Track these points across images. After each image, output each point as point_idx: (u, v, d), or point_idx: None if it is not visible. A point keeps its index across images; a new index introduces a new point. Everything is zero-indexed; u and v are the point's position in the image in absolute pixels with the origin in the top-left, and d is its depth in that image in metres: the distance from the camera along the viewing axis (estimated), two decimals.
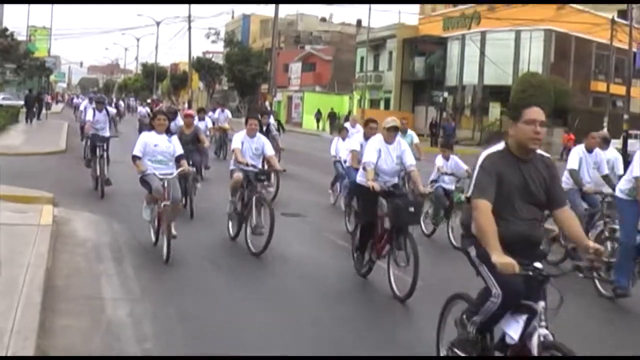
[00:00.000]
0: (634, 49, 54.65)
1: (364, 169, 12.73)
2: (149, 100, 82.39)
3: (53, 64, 79.84)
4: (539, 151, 7.01)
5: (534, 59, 64.10)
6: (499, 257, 6.26)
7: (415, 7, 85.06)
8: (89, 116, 23.61)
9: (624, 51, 56.37)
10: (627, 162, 16.01)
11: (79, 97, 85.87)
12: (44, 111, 63.62)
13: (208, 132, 26.58)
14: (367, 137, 16.20)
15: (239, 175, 15.21)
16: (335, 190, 21.79)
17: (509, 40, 65.29)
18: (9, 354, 7.33)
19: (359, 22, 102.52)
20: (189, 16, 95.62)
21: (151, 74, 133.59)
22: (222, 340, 9.14)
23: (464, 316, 7.30)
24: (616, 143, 33.02)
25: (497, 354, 6.98)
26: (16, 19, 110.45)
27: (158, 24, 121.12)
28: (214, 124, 37.52)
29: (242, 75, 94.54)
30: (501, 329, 6.88)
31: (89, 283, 11.40)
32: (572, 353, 6.11)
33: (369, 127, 16.57)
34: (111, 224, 16.56)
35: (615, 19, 59.95)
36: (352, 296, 12.13)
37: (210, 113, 41.59)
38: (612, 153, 16.22)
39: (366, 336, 9.82)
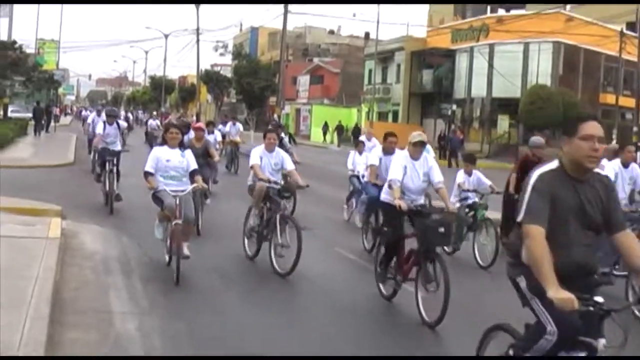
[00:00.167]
0: None
1: (390, 186, 12.17)
2: (155, 113, 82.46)
3: (61, 77, 79.97)
4: (596, 169, 6.40)
5: (542, 71, 63.97)
6: (557, 293, 5.70)
7: (424, 20, 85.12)
8: (99, 129, 22.64)
9: (633, 63, 56.36)
10: None
11: (88, 109, 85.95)
12: (52, 123, 63.71)
13: (218, 146, 25.75)
14: (386, 151, 16.31)
15: (262, 184, 14.47)
16: (350, 206, 21.24)
17: (517, 52, 65.20)
18: None
19: (367, 34, 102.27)
20: (197, 29, 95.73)
21: (159, 87, 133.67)
22: (230, 354, 9.08)
23: (511, 352, 6.62)
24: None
25: None
26: (25, 32, 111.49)
27: (166, 36, 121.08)
28: (224, 137, 37.42)
29: (251, 88, 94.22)
30: None
31: (97, 296, 11.36)
32: None
33: (388, 142, 16.35)
34: (120, 237, 16.52)
35: (624, 31, 59.86)
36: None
37: (221, 126, 41.39)
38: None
39: None
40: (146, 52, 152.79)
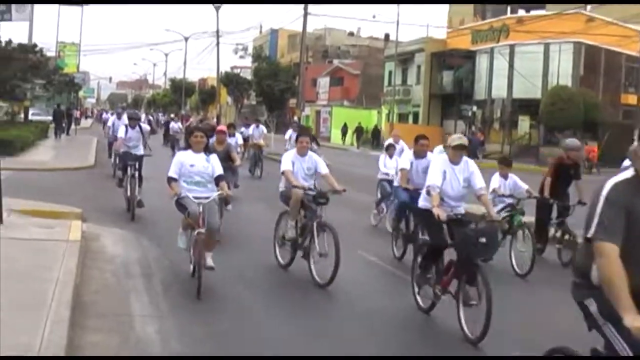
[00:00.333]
0: None
1: (428, 193, 11.38)
2: (172, 115, 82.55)
3: (82, 80, 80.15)
4: None
5: (563, 71, 63.65)
6: (635, 321, 5.08)
7: (443, 21, 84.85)
8: (121, 133, 22.05)
9: None
10: None
11: (108, 112, 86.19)
12: (72, 126, 63.91)
13: (239, 149, 24.53)
14: (417, 154, 15.85)
15: (298, 192, 13.88)
16: (381, 211, 20.57)
17: (538, 53, 64.90)
18: None
19: (386, 36, 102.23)
20: (217, 31, 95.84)
21: (179, 89, 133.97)
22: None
23: None
24: None
25: None
26: (45, 35, 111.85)
27: (186, 39, 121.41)
28: (247, 140, 37.25)
29: (271, 90, 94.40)
30: None
31: (117, 299, 11.37)
32: None
33: (420, 144, 15.83)
34: (140, 240, 16.53)
35: None
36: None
37: (243, 129, 41.20)
38: None
39: None
40: (166, 55, 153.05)
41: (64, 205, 19.17)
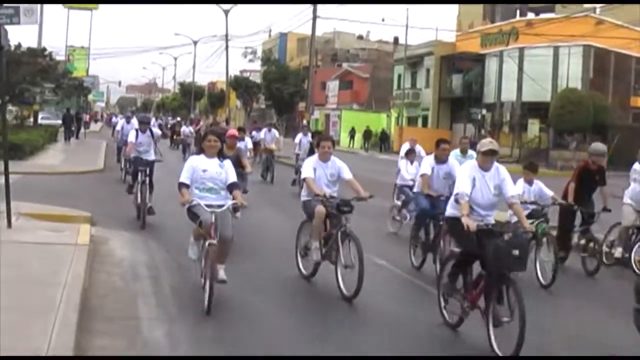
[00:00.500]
0: None
1: (457, 201, 10.57)
2: (178, 119, 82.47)
3: (91, 84, 79.96)
4: None
5: (572, 74, 63.57)
6: None
7: (453, 24, 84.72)
8: (132, 137, 21.21)
9: None
10: None
11: (118, 116, 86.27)
12: (82, 130, 64.03)
13: (248, 154, 23.77)
14: (438, 160, 15.46)
15: (321, 208, 13.06)
16: (404, 217, 19.93)
17: (547, 56, 64.84)
18: None
19: (396, 39, 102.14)
20: (226, 35, 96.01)
21: (189, 93, 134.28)
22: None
23: None
24: None
25: None
26: (55, 39, 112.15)
27: (195, 43, 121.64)
28: (257, 144, 37.08)
29: (280, 94, 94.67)
30: None
31: (125, 303, 11.34)
32: None
33: (441, 149, 15.39)
34: (149, 243, 16.50)
35: None
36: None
37: (255, 133, 41.05)
38: None
39: None
40: (175, 59, 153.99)
41: (72, 209, 19.21)
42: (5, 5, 15.71)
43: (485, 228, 10.32)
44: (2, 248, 12.85)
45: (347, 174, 13.68)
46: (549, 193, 15.58)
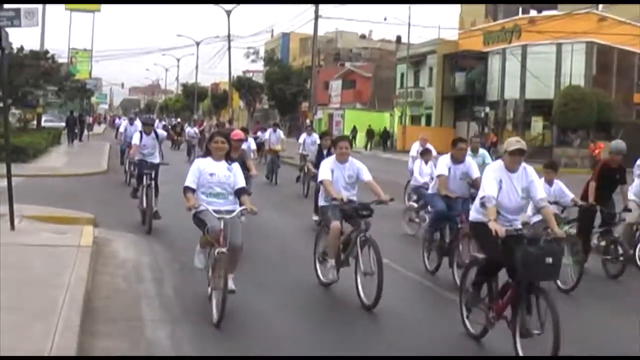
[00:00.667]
0: None
1: (482, 205, 9.91)
2: (179, 120, 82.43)
3: (94, 86, 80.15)
4: None
5: (575, 72, 63.49)
6: None
7: (455, 22, 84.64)
8: (136, 139, 20.44)
9: None
10: None
11: (121, 118, 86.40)
12: (85, 132, 64.08)
13: (252, 155, 23.48)
14: (455, 159, 14.73)
15: (336, 225, 12.47)
16: (422, 219, 18.95)
17: (550, 53, 64.74)
18: None
19: (398, 38, 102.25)
20: (229, 35, 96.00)
21: (192, 94, 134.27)
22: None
23: None
24: None
25: None
26: (57, 42, 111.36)
27: (198, 44, 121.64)
28: (262, 145, 36.95)
29: (283, 94, 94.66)
30: None
31: (129, 304, 11.33)
32: None
33: (458, 148, 14.69)
34: (152, 244, 16.47)
35: None
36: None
37: (260, 133, 40.84)
38: None
39: None
40: (178, 60, 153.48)
41: (75, 211, 19.19)
42: (5, 7, 15.68)
43: (515, 234, 9.76)
44: (5, 250, 12.82)
45: (367, 176, 13.07)
46: (570, 195, 14.90)
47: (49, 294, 10.25)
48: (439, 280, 14.17)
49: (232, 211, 11.12)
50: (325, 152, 20.49)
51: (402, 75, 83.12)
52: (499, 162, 10.26)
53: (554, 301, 8.86)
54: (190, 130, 49.73)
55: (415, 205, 19.90)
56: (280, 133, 36.13)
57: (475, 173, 14.50)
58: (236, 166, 11.55)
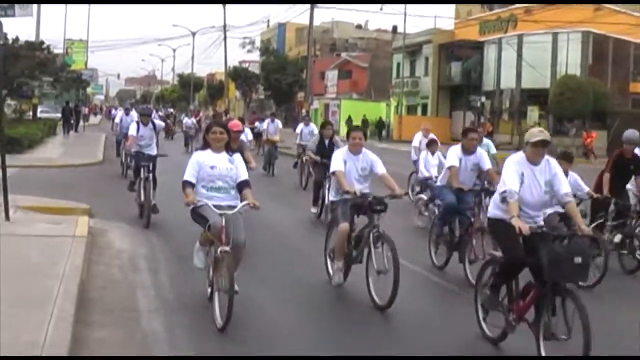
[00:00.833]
0: None
1: (503, 200, 9.21)
2: (171, 110, 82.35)
3: (90, 76, 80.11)
4: None
5: (571, 61, 63.48)
6: None
7: (451, 12, 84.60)
8: (132, 130, 19.77)
9: None
10: None
11: (117, 108, 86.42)
12: (81, 123, 63.98)
13: (249, 145, 21.85)
14: (466, 150, 13.98)
15: (345, 227, 11.87)
16: (431, 212, 18.15)
17: (546, 43, 64.75)
18: None
19: (394, 28, 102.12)
20: (224, 25, 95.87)
21: (188, 85, 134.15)
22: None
23: None
24: None
25: None
26: (52, 32, 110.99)
27: (194, 34, 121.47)
28: (259, 135, 36.76)
29: (279, 84, 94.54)
30: None
31: (124, 295, 11.28)
32: None
33: (470, 138, 13.98)
34: (147, 235, 16.41)
35: None
36: None
37: (257, 123, 40.60)
38: None
39: None
40: (174, 50, 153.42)
41: (71, 201, 19.15)
42: None
43: (539, 231, 8.99)
44: (0, 240, 12.80)
45: (381, 169, 12.46)
46: (585, 188, 14.37)
47: (43, 284, 10.22)
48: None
49: (234, 206, 10.41)
50: (326, 141, 20.30)
51: (398, 65, 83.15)
52: (520, 154, 9.47)
53: (582, 303, 8.21)
54: (188, 120, 49.44)
55: (425, 197, 19.29)
56: (279, 123, 35.41)
57: (487, 164, 14.09)
58: (238, 157, 10.89)
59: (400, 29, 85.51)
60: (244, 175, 10.77)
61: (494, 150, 18.11)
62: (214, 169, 10.57)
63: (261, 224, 16.90)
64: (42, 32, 58.63)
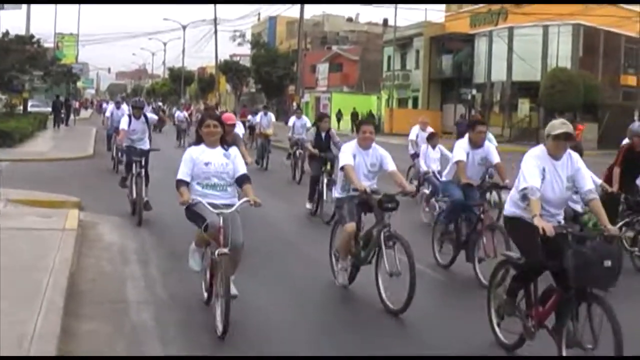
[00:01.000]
0: None
1: (523, 197, 8.58)
2: (160, 104, 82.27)
3: (80, 70, 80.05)
4: None
5: (562, 54, 63.55)
6: None
7: (441, 5, 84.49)
8: (124, 124, 18.87)
9: None
10: None
11: (109, 102, 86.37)
12: (72, 117, 63.88)
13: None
14: (474, 144, 13.45)
15: (352, 227, 11.30)
16: (432, 208, 18.07)
17: (536, 35, 64.80)
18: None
19: (385, 21, 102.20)
20: (215, 19, 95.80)
21: (178, 78, 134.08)
22: (251, 346, 8.82)
23: None
24: None
25: None
26: (42, 25, 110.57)
27: (184, 27, 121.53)
28: (253, 128, 36.61)
29: (269, 77, 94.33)
30: None
31: (114, 287, 11.27)
32: None
33: (477, 131, 13.37)
34: (138, 228, 16.38)
35: None
36: None
37: (250, 117, 40.43)
38: None
39: None
40: (165, 44, 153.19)
41: (61, 195, 19.10)
42: None
43: (564, 232, 8.17)
44: None
45: (391, 165, 11.75)
46: (598, 181, 13.65)
47: (32, 277, 10.21)
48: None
49: (231, 205, 9.81)
50: (323, 134, 20.13)
51: (389, 58, 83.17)
52: (541, 148, 8.77)
53: (610, 305, 7.56)
54: (180, 114, 49.47)
55: (427, 192, 19.00)
56: (272, 116, 34.92)
57: (496, 158, 13.50)
58: (234, 151, 10.19)
59: (391, 22, 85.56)
60: (242, 169, 10.08)
61: (495, 143, 17.35)
62: (208, 166, 9.89)
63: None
64: (32, 26, 58.50)
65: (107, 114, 33.17)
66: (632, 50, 66.92)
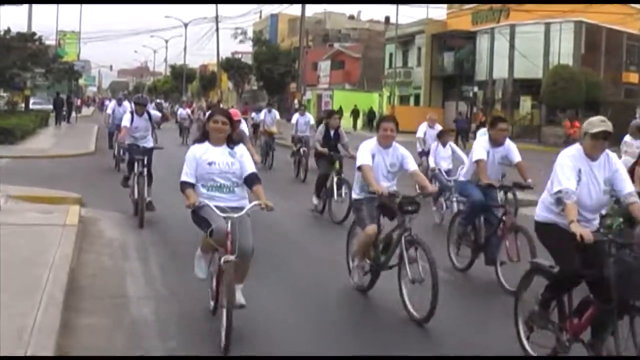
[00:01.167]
0: None
1: (558, 201, 7.90)
2: (158, 101, 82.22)
3: (82, 68, 79.91)
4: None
5: (564, 51, 63.51)
6: None
7: (444, 2, 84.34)
8: (126, 121, 18.15)
9: None
10: None
11: (111, 99, 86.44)
12: (73, 114, 63.87)
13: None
14: (495, 142, 12.74)
15: (373, 230, 10.73)
16: (440, 207, 17.97)
17: (538, 32, 64.78)
18: (29, 353, 7.20)
19: (387, 18, 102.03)
20: (217, 16, 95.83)
21: (180, 76, 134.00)
22: (250, 341, 8.80)
23: None
24: None
25: None
26: (44, 23, 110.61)
27: (186, 25, 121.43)
28: (257, 126, 36.42)
29: (271, 75, 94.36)
30: None
31: (114, 282, 11.29)
32: None
33: (499, 129, 12.67)
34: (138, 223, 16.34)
35: None
36: None
37: (254, 114, 40.23)
38: None
39: None
40: (166, 42, 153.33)
41: (62, 191, 19.12)
42: None
43: (604, 239, 7.54)
44: None
45: (412, 165, 11.09)
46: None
47: (33, 272, 10.23)
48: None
49: (240, 208, 9.08)
50: (332, 132, 19.38)
51: (391, 55, 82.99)
52: (577, 147, 8.10)
53: None
54: (182, 111, 49.35)
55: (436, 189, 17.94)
56: (276, 114, 33.79)
57: (517, 157, 12.76)
58: (241, 149, 9.44)
59: (392, 20, 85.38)
60: (250, 168, 9.30)
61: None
62: (212, 165, 9.17)
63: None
64: (34, 24, 58.58)
65: (109, 111, 32.64)
66: (634, 48, 66.94)
